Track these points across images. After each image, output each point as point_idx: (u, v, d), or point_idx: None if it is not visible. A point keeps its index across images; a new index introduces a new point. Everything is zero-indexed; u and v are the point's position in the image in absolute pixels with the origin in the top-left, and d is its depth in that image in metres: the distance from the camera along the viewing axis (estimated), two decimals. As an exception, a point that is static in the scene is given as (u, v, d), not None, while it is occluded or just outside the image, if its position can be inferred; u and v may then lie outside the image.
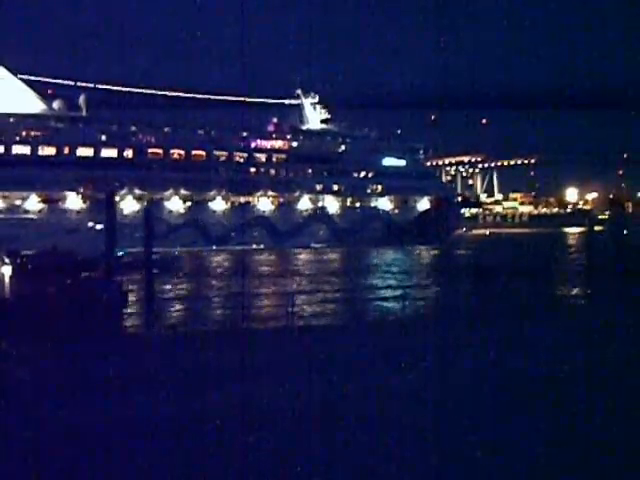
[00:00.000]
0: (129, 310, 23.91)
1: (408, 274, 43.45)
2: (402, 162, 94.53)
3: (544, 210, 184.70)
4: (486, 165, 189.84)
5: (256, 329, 22.54)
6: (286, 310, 23.65)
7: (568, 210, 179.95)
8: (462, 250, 79.56)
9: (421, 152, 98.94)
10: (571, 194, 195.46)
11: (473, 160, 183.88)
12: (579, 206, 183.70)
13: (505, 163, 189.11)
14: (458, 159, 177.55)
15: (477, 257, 63.51)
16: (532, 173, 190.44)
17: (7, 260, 26.41)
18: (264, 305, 30.49)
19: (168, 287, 38.53)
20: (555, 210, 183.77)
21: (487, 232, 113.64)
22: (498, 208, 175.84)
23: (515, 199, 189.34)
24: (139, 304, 25.45)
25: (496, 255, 66.40)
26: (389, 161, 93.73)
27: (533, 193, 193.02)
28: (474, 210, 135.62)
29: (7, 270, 23.94)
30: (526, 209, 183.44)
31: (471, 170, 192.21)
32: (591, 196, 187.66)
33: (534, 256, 66.03)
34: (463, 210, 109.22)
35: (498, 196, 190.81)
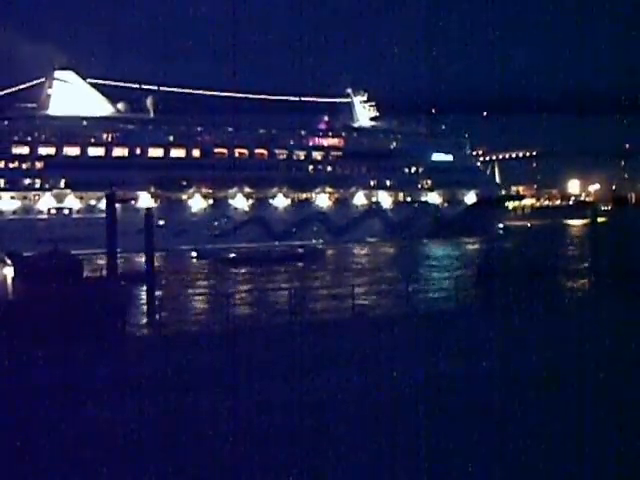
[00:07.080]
0: (131, 312, 23.19)
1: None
2: (450, 157, 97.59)
3: (546, 202, 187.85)
4: (487, 158, 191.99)
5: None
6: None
7: (570, 202, 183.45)
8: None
9: (467, 147, 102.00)
10: (573, 186, 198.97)
11: (474, 153, 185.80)
12: (581, 198, 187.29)
13: (506, 156, 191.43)
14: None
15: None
16: (534, 165, 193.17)
17: (8, 262, 26.21)
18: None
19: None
20: (557, 202, 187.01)
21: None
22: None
23: (517, 192, 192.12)
24: (145, 306, 24.35)
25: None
26: (438, 156, 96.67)
27: (535, 185, 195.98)
28: (516, 203, 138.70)
29: (9, 271, 23.82)
30: (528, 202, 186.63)
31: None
32: (593, 188, 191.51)
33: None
34: (506, 203, 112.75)
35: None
